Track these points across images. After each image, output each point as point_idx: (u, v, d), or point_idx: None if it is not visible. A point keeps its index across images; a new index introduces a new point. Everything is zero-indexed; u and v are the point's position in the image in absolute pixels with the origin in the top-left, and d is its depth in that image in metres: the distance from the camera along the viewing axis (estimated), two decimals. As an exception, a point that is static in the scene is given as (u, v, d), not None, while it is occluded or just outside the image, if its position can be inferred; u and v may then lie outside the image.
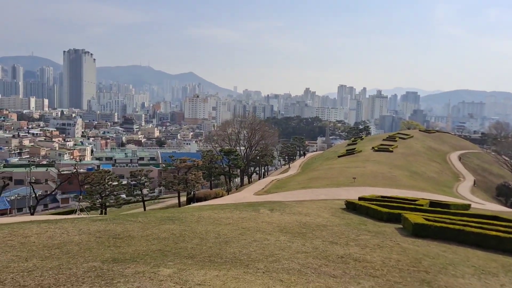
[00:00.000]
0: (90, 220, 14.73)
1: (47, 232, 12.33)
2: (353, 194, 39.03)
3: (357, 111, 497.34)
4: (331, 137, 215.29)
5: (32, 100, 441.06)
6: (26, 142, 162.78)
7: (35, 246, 10.81)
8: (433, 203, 27.95)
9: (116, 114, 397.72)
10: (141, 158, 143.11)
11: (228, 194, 57.65)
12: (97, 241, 11.70)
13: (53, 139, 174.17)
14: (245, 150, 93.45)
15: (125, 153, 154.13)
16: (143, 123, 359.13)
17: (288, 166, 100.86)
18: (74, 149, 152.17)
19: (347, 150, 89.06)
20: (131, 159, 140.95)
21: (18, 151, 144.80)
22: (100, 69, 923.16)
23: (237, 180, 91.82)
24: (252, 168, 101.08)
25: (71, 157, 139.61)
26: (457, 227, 16.24)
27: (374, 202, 25.09)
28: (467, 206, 31.94)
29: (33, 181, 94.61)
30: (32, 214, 51.20)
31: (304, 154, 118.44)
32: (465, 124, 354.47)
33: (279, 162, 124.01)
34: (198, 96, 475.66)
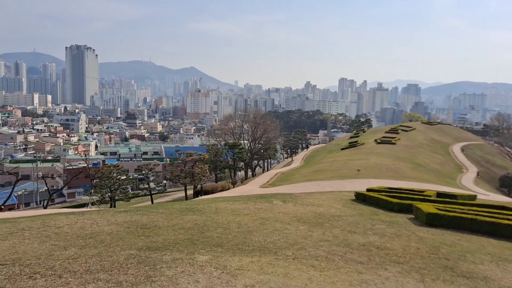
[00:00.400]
0: (114, 212, 15.18)
1: (77, 223, 12.79)
2: (358, 186, 39.41)
3: (358, 104, 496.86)
4: (332, 130, 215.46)
5: (36, 96, 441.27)
6: (31, 138, 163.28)
7: (69, 236, 11.26)
8: (440, 194, 28.35)
9: (119, 109, 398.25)
10: (145, 153, 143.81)
11: (234, 187, 58.08)
12: (127, 231, 12.16)
13: (58, 135, 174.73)
14: (248, 144, 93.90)
15: (129, 148, 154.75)
16: (145, 118, 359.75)
17: (291, 159, 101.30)
18: (79, 145, 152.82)
19: (349, 143, 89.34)
20: (135, 154, 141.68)
21: (24, 147, 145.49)
22: (102, 64, 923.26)
23: (241, 173, 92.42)
24: (256, 162, 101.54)
25: (76, 152, 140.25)
26: (469, 216, 16.65)
27: (384, 193, 25.51)
28: (474, 197, 32.34)
29: (40, 176, 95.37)
30: (45, 207, 51.83)
31: (307, 147, 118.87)
32: (466, 116, 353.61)
33: (281, 155, 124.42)
34: (199, 91, 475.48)
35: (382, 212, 19.84)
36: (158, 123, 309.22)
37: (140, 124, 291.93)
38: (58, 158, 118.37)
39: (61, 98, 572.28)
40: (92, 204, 52.23)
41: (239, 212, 16.31)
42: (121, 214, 14.67)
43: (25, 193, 77.51)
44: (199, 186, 60.75)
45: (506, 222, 15.96)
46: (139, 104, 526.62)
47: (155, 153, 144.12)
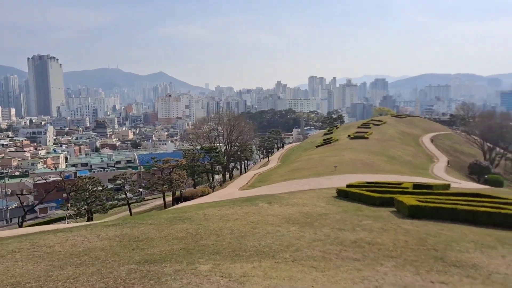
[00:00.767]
0: (103, 226, 14.99)
1: (68, 241, 12.57)
2: (336, 182, 40.14)
3: (328, 100, 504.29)
4: (306, 128, 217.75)
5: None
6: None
7: (63, 254, 11.07)
8: (416, 185, 29.25)
9: (87, 119, 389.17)
10: (118, 162, 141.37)
11: (213, 191, 57.92)
12: (120, 245, 12.05)
13: (24, 149, 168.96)
14: (224, 147, 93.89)
15: (101, 158, 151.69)
16: (116, 126, 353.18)
17: (267, 159, 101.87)
18: (47, 158, 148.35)
19: (324, 140, 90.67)
20: (107, 164, 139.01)
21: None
22: (68, 74, 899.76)
23: (219, 176, 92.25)
24: (233, 164, 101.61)
25: (45, 165, 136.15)
26: (449, 206, 17.35)
27: (364, 188, 26.14)
28: (448, 186, 33.61)
29: (9, 193, 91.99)
30: (20, 226, 50.03)
31: (283, 146, 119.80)
32: (433, 107, 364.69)
33: (257, 156, 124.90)
34: (170, 96, 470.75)
35: (365, 207, 20.36)
36: (129, 130, 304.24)
37: (111, 133, 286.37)
38: (27, 173, 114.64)
39: (25, 111, 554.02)
40: (69, 218, 50.95)
41: (228, 217, 16.42)
42: (110, 228, 14.51)
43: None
44: (178, 193, 60.26)
45: (483, 209, 16.73)
46: (109, 113, 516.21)
47: (129, 161, 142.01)
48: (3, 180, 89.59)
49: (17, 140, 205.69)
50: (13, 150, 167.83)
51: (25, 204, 69.80)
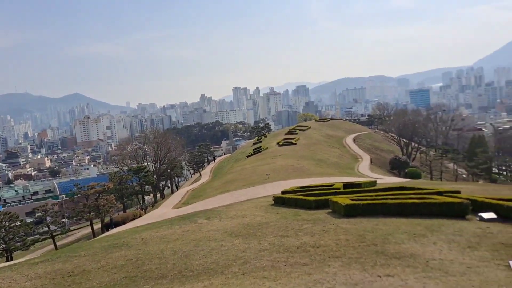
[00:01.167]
0: (29, 264, 13.58)
1: (-10, 287, 11.19)
2: (271, 190, 40.73)
3: (254, 110, 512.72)
4: (235, 139, 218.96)
5: None
6: None
7: (-14, 303, 9.83)
8: (346, 185, 30.61)
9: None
10: (35, 193, 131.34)
11: (145, 213, 55.73)
12: (53, 283, 10.99)
13: None
14: (153, 166, 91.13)
15: (15, 190, 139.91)
16: (30, 155, 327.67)
17: (199, 174, 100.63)
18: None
19: (254, 149, 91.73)
20: (23, 196, 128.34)
21: None
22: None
23: (149, 197, 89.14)
24: (163, 183, 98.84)
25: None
26: (380, 201, 18.34)
27: (299, 193, 26.77)
28: (374, 183, 35.54)
29: None
30: None
31: (214, 159, 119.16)
32: (352, 109, 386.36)
33: (188, 172, 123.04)
34: (89, 117, 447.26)
35: (303, 211, 20.77)
36: (46, 158, 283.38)
37: (25, 162, 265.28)
38: None
39: None
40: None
41: (167, 238, 15.79)
42: (39, 265, 13.19)
43: None
44: (107, 219, 57.07)
45: (411, 201, 17.91)
46: (20, 141, 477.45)
47: (48, 191, 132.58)
48: None
49: None
50: None
51: None
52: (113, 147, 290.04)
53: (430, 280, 8.18)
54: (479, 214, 16.72)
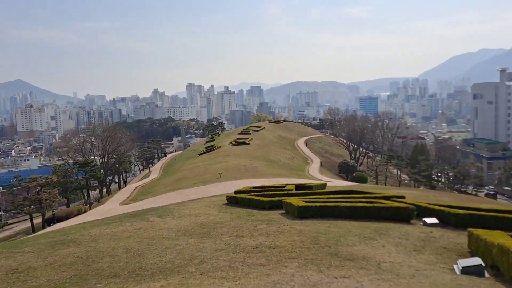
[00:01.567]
0: (-34, 263, 12.60)
1: None
2: (223, 189, 40.75)
3: (208, 108, 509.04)
4: (186, 136, 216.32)
5: None
6: None
7: None
8: (298, 187, 31.21)
9: None
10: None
11: (90, 209, 53.71)
12: (-6, 282, 10.28)
13: None
14: (100, 160, 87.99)
15: None
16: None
17: (148, 170, 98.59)
18: None
19: (206, 148, 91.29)
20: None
21: None
22: None
23: (94, 192, 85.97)
24: (111, 178, 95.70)
25: None
26: (332, 204, 18.85)
27: (253, 194, 26.91)
28: (324, 185, 36.52)
29: None
30: None
31: (165, 155, 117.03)
32: (304, 112, 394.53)
33: (137, 167, 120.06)
34: (32, 106, 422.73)
35: (256, 212, 20.90)
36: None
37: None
38: None
39: None
40: None
41: (118, 236, 15.30)
42: (-24, 263, 12.30)
43: None
44: (49, 213, 54.33)
45: (361, 205, 18.57)
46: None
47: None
48: None
49: None
50: None
51: None
52: (57, 139, 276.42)
53: (384, 282, 8.54)
54: (423, 219, 17.67)
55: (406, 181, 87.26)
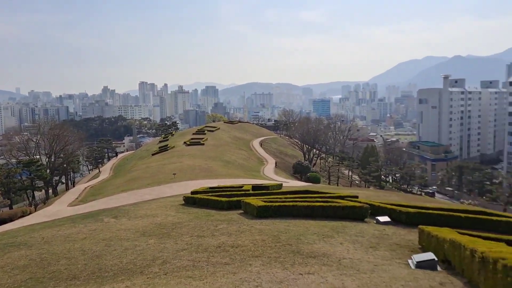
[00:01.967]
0: None
1: None
2: (178, 189, 40.26)
3: (161, 107, 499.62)
4: (139, 136, 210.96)
5: None
6: None
7: None
8: (255, 187, 31.49)
9: None
10: None
11: (36, 210, 51.12)
12: None
13: None
14: (47, 159, 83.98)
15: None
16: None
17: (98, 170, 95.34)
18: None
19: (160, 147, 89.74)
20: None
21: None
22: None
23: (40, 193, 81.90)
24: (58, 178, 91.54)
25: None
26: (290, 203, 19.20)
27: (210, 194, 26.82)
28: (280, 186, 37.09)
29: None
30: None
31: (116, 155, 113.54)
32: (259, 113, 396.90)
33: (86, 167, 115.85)
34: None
35: (215, 212, 20.87)
36: None
37: None
38: None
39: None
40: None
41: (73, 237, 14.72)
42: None
43: None
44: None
45: (318, 204, 19.07)
46: None
47: None
48: None
49: None
50: None
51: None
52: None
53: (347, 277, 8.86)
54: (376, 217, 18.46)
55: (357, 182, 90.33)
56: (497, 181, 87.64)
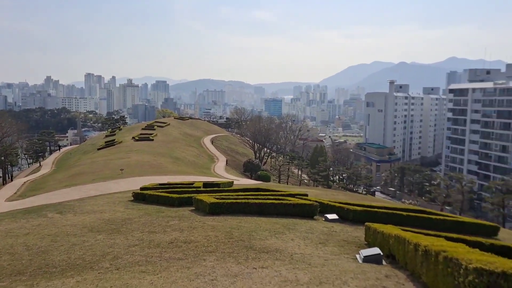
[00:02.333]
0: None
1: None
2: (125, 186, 39.22)
3: (108, 100, 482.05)
4: (83, 129, 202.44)
5: None
6: None
7: None
8: (206, 184, 31.38)
9: None
10: None
11: (-32, 206, 47.76)
12: None
13: None
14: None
15: None
16: None
17: (39, 164, 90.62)
18: None
19: (106, 142, 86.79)
20: None
21: None
22: None
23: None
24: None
25: None
26: (242, 201, 19.36)
27: (160, 190, 26.39)
28: (231, 183, 37.18)
29: None
30: None
31: (59, 149, 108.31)
32: (211, 110, 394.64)
33: (26, 161, 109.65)
34: None
35: (165, 208, 20.60)
36: None
37: None
38: None
39: None
40: None
41: (15, 232, 13.95)
42: None
43: None
44: None
45: (270, 201, 19.40)
46: None
47: None
48: None
49: None
50: None
51: None
52: None
53: (299, 271, 9.12)
54: (325, 215, 19.08)
55: (306, 181, 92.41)
56: (435, 183, 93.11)
